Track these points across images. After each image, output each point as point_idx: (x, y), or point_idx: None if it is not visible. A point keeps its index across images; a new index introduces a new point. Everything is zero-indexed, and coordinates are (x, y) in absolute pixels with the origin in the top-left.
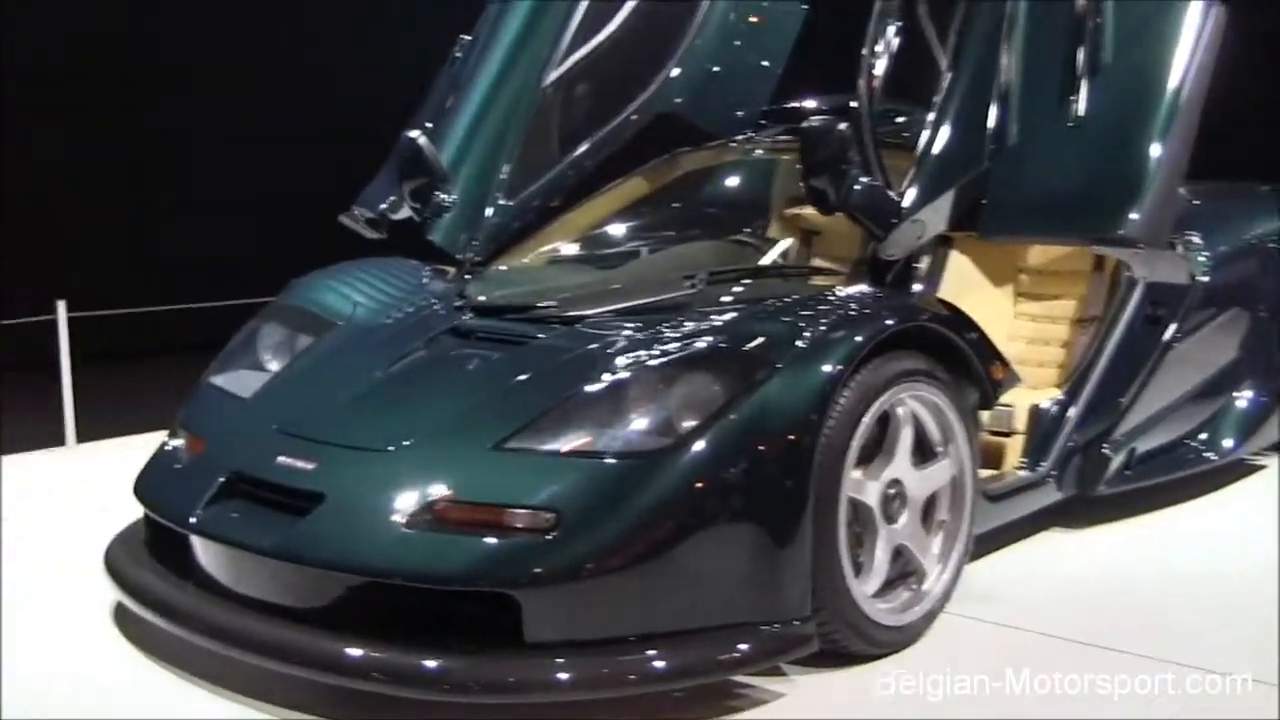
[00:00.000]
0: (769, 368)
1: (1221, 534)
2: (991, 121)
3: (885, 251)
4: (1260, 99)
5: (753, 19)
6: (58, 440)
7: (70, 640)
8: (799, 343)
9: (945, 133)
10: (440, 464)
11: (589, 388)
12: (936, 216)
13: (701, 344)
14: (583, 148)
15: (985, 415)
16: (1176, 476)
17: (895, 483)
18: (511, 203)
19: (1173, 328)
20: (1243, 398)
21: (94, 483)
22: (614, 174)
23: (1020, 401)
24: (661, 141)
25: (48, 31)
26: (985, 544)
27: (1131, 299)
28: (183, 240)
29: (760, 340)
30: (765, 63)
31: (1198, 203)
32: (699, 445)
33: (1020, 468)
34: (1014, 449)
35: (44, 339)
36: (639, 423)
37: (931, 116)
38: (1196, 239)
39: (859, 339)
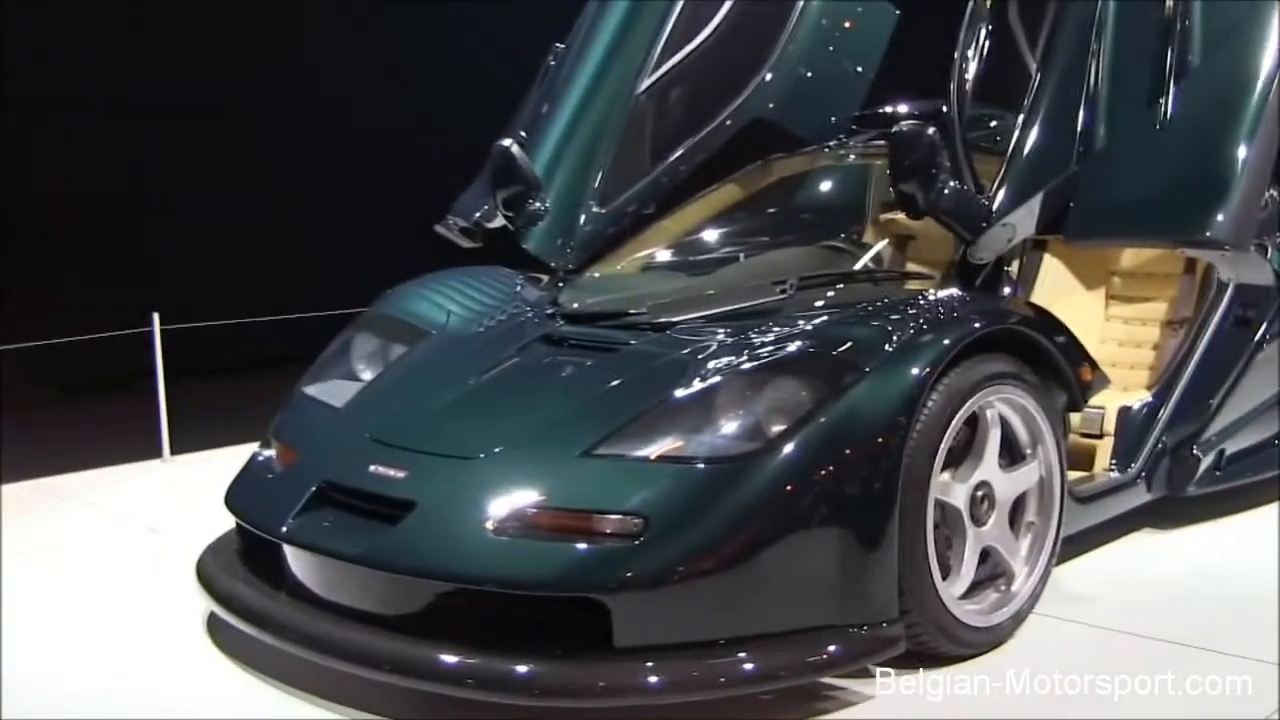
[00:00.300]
0: (857, 372)
1: None
2: (1080, 125)
3: (975, 255)
4: None
5: (845, 23)
6: (154, 453)
7: (161, 651)
8: (887, 346)
9: (1034, 136)
10: (529, 471)
11: (678, 393)
12: (1026, 219)
13: (790, 349)
14: (676, 154)
15: (1076, 417)
16: (1266, 477)
17: (983, 485)
18: (605, 210)
19: (1262, 329)
20: None
21: (188, 494)
22: (708, 180)
23: (1110, 404)
24: (755, 147)
25: (150, 40)
26: (1075, 545)
27: (1221, 301)
28: (276, 250)
29: (848, 344)
30: (858, 67)
31: None
32: (787, 449)
33: (1110, 469)
34: (1104, 451)
35: (139, 352)
36: (727, 428)
37: (1020, 120)
38: None
39: (946, 342)
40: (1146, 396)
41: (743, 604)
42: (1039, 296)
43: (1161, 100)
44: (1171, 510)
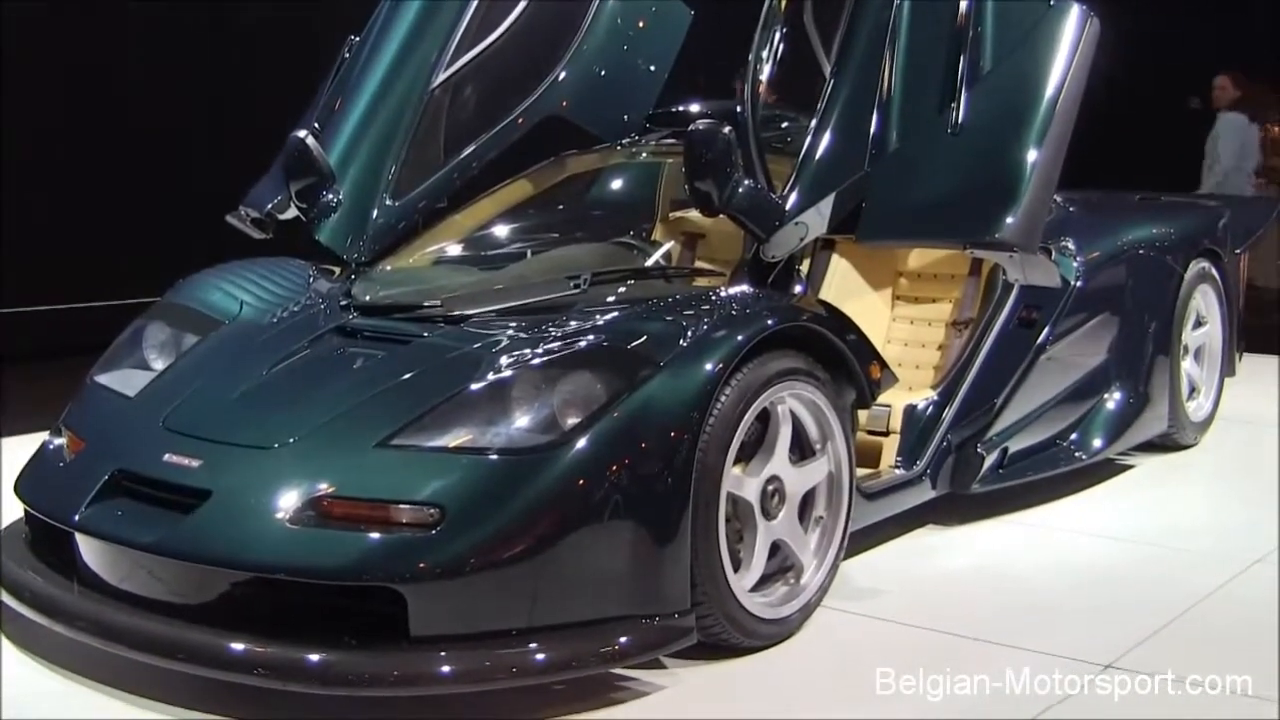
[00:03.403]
0: (651, 366)
1: (1086, 530)
2: (873, 127)
3: (767, 253)
4: (1135, 111)
5: (639, 23)
6: None
7: None
8: (681, 342)
9: (827, 137)
10: (325, 461)
11: (473, 386)
12: (818, 219)
13: (584, 343)
14: (470, 149)
15: (863, 415)
16: (1048, 475)
17: (774, 479)
18: (397, 203)
19: (1046, 331)
20: (1112, 399)
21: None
22: (501, 176)
23: (896, 402)
24: (550, 144)
25: None
26: (861, 540)
27: (1006, 303)
28: (70, 239)
29: (643, 339)
30: (651, 67)
31: (1073, 210)
32: (581, 442)
33: (896, 466)
34: (890, 448)
35: None
36: (522, 420)
37: (814, 121)
38: (1070, 245)
39: (740, 338)
40: (932, 395)
41: (538, 594)
42: (827, 296)
43: (954, 105)
44: (959, 507)
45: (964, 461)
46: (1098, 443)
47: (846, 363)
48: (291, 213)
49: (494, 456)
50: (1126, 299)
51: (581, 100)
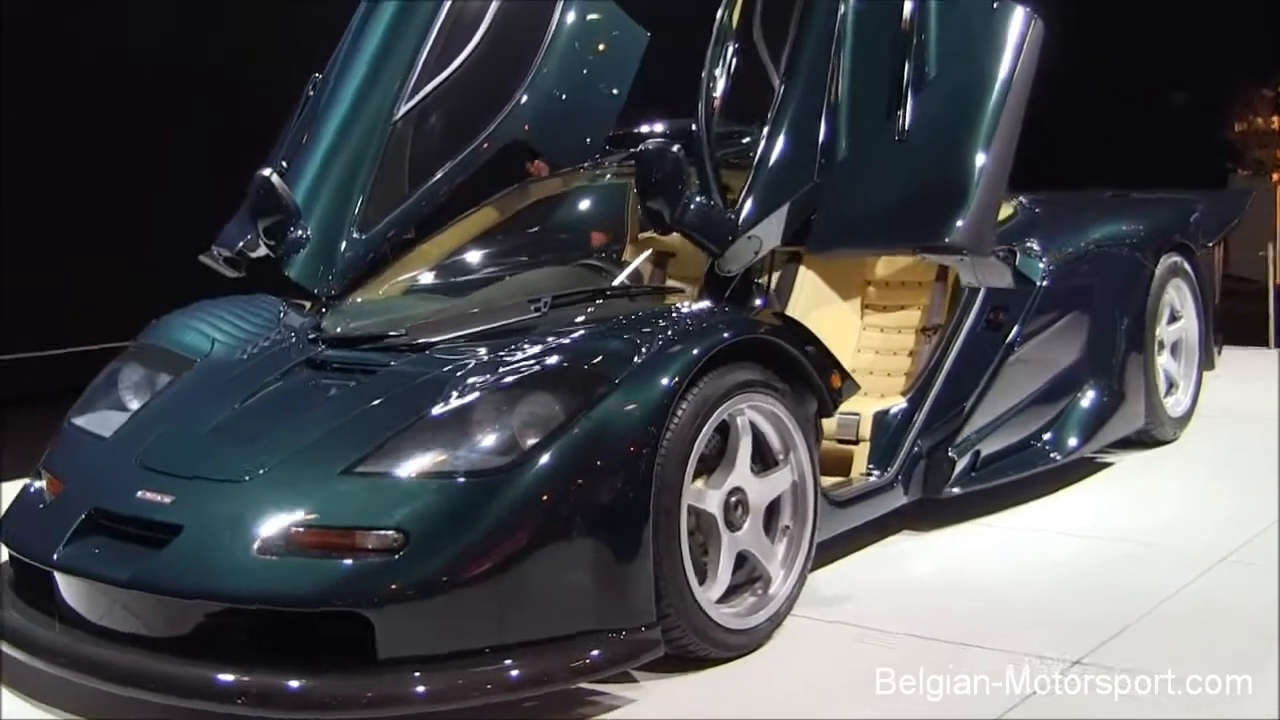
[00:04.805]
0: (607, 384)
1: (1063, 529)
2: (821, 137)
3: (723, 267)
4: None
5: (598, 46)
6: None
7: None
8: (636, 358)
9: (776, 150)
10: (292, 491)
11: (435, 410)
12: (771, 232)
13: (542, 364)
14: (434, 178)
15: (832, 423)
16: (1022, 476)
17: (737, 491)
18: (365, 236)
19: (1014, 332)
20: (1085, 397)
21: None
22: (467, 204)
23: (866, 409)
24: (514, 170)
25: None
26: (834, 549)
27: (973, 306)
28: (50, 283)
29: (599, 357)
30: (612, 89)
31: (1039, 211)
32: (541, 461)
33: (867, 474)
34: (861, 456)
35: None
36: (483, 442)
37: (764, 134)
38: (1036, 245)
39: (695, 352)
40: (901, 402)
41: (504, 613)
42: (796, 307)
43: (899, 111)
44: (933, 512)
45: (935, 466)
46: (1072, 441)
47: (805, 373)
48: (262, 250)
49: (455, 479)
50: (1096, 296)
51: (544, 124)
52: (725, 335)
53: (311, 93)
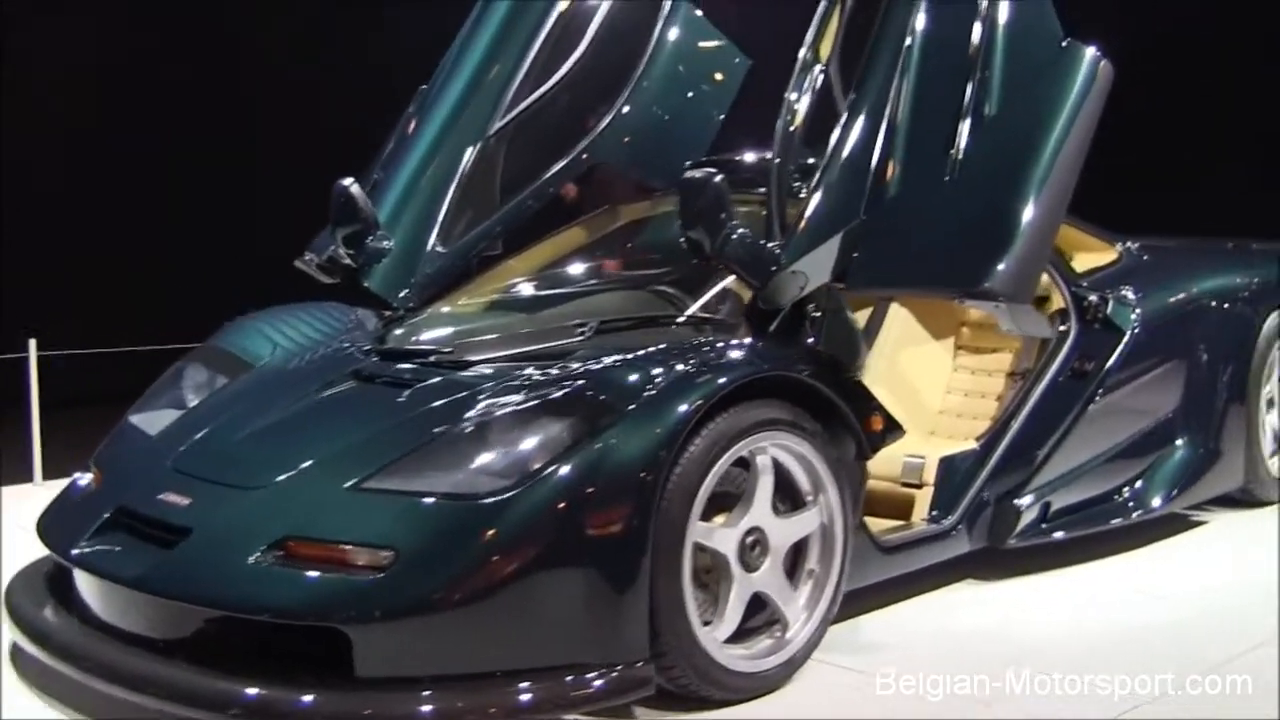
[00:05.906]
0: (616, 413)
1: (1135, 586)
2: (873, 170)
3: (764, 301)
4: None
5: (704, 70)
6: (26, 477)
7: None
8: (649, 389)
9: (829, 184)
10: (296, 502)
11: (445, 431)
12: (818, 267)
13: (559, 390)
14: (523, 194)
15: (896, 466)
16: (1097, 530)
17: (755, 530)
18: (447, 249)
19: (1098, 382)
20: (1177, 452)
21: None
22: (556, 222)
23: (933, 453)
24: (602, 191)
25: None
26: (884, 594)
27: (1060, 353)
28: (156, 281)
29: (614, 386)
30: (711, 113)
31: (1146, 258)
32: (537, 487)
33: (927, 519)
34: (923, 500)
35: (14, 377)
36: (484, 465)
37: (821, 167)
38: (1131, 293)
39: (712, 386)
40: (973, 446)
41: (488, 639)
42: (885, 345)
43: (954, 150)
44: (1001, 562)
45: (1001, 515)
46: (1158, 498)
47: (840, 414)
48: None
49: (450, 501)
50: (1196, 348)
51: (642, 141)
52: (747, 370)
53: (413, 108)
